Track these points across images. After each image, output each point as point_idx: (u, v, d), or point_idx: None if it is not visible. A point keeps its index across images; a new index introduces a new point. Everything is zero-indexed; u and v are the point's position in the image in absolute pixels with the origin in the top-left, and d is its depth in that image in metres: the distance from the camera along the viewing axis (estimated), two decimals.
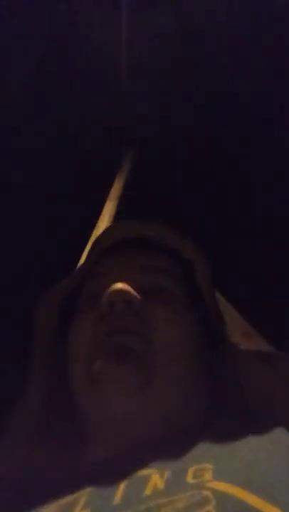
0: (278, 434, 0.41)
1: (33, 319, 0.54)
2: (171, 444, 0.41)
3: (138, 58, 1.95)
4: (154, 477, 0.36)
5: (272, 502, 0.29)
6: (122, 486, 0.36)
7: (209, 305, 0.53)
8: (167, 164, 2.12)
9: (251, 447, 0.38)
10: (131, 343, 0.46)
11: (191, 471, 0.35)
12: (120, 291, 0.46)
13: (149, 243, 0.55)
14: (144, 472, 0.37)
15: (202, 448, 0.40)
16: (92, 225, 1.69)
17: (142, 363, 0.45)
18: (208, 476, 0.34)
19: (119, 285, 0.47)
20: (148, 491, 0.34)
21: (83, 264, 0.57)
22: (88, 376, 0.47)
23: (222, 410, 0.50)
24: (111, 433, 0.47)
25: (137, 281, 0.50)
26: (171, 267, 0.54)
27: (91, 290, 0.52)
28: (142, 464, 0.39)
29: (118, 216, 1.76)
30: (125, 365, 0.45)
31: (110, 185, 1.79)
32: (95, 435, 0.48)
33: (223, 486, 0.32)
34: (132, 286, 0.48)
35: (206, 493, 0.31)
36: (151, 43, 1.92)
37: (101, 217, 1.69)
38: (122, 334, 0.46)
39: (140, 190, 2.07)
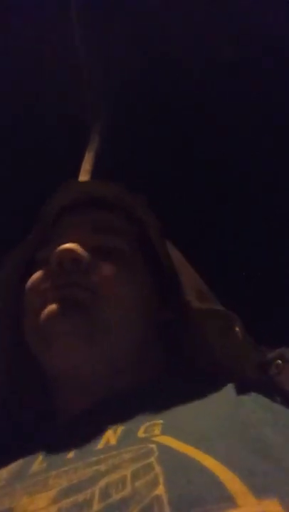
0: (226, 391, 0.41)
1: None
2: (126, 403, 0.42)
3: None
4: (108, 433, 0.37)
5: (210, 453, 0.30)
6: (78, 442, 0.37)
7: (164, 263, 0.51)
8: (135, 135, 2.12)
9: (201, 405, 0.39)
10: (77, 294, 0.45)
11: (142, 427, 0.36)
12: (67, 250, 0.45)
13: (103, 203, 0.54)
14: (99, 429, 0.38)
15: (155, 406, 0.40)
16: None
17: (87, 316, 0.44)
18: (157, 431, 0.35)
19: (67, 245, 0.46)
20: (100, 446, 0.35)
21: (38, 226, 0.55)
22: (37, 330, 0.46)
23: (176, 369, 0.51)
24: (68, 388, 0.47)
25: (88, 241, 0.49)
26: (125, 226, 0.52)
27: (44, 256, 0.51)
28: (99, 423, 0.39)
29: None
30: (70, 317, 0.44)
31: (81, 159, 1.75)
32: (57, 393, 0.49)
33: (167, 440, 0.33)
34: (82, 246, 0.47)
35: (151, 446, 0.32)
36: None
37: None
38: (69, 287, 0.46)
39: (112, 161, 2.06)
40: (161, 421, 0.36)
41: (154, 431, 0.35)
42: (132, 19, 1.67)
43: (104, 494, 0.28)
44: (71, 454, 0.36)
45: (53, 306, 0.44)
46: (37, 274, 0.49)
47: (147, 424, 0.36)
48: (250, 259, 2.08)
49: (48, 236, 0.52)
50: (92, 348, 0.44)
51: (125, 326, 0.47)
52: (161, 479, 0.28)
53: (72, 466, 0.33)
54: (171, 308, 0.52)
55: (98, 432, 0.38)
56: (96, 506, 0.27)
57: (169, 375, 0.49)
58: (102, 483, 0.29)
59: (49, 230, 0.53)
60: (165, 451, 0.31)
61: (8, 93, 1.87)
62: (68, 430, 0.40)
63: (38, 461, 0.37)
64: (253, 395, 0.39)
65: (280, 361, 0.40)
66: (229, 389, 0.41)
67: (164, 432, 0.34)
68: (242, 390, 0.40)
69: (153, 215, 0.53)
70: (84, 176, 1.63)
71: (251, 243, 2.07)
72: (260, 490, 0.26)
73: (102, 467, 0.31)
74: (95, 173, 1.67)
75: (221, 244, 2.05)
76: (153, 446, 0.32)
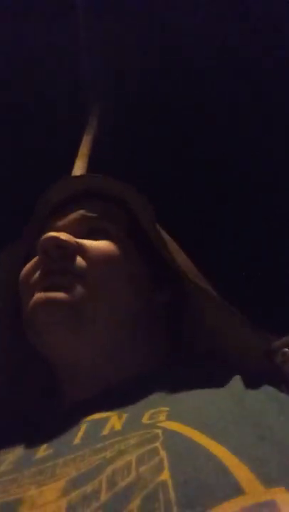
0: (231, 379, 0.41)
1: None
2: (130, 390, 0.41)
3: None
4: (113, 419, 0.37)
5: (217, 439, 0.30)
6: (83, 428, 0.37)
7: (157, 249, 0.50)
8: (135, 135, 2.12)
9: (206, 393, 0.39)
10: (62, 281, 0.45)
11: (147, 414, 0.36)
12: (51, 237, 0.45)
13: (95, 195, 0.53)
14: (103, 415, 0.38)
15: (159, 394, 0.40)
16: None
17: (73, 303, 0.44)
18: (162, 417, 0.35)
19: (51, 233, 0.46)
20: (105, 432, 0.35)
21: (31, 223, 0.55)
22: (27, 320, 0.46)
23: (179, 356, 0.51)
24: (69, 377, 0.47)
25: (79, 228, 0.50)
26: (116, 214, 0.52)
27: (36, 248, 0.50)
28: (103, 409, 0.39)
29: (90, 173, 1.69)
30: (55, 306, 0.43)
31: (78, 143, 1.67)
32: (59, 383, 0.49)
33: (173, 426, 0.32)
34: (72, 234, 0.48)
35: (156, 431, 0.32)
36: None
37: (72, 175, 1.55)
38: (54, 274, 0.45)
39: (110, 145, 2.04)
40: (166, 408, 0.36)
41: (160, 417, 0.35)
42: (132, 19, 1.67)
43: (111, 482, 0.28)
44: (77, 441, 0.35)
45: (38, 296, 0.44)
46: (27, 266, 0.50)
47: (152, 411, 0.36)
48: (250, 259, 2.08)
49: (42, 231, 0.52)
50: (80, 336, 0.44)
51: (114, 310, 0.46)
52: (166, 464, 0.28)
53: (79, 453, 0.33)
54: (168, 291, 0.52)
55: (103, 418, 0.38)
56: (103, 497, 0.27)
57: (172, 362, 0.49)
58: (109, 470, 0.29)
59: (44, 225, 0.53)
60: (170, 435, 0.31)
61: (7, 93, 1.87)
62: (72, 417, 0.40)
63: (44, 447, 0.37)
64: (259, 383, 0.39)
65: (286, 349, 0.40)
66: (234, 377, 0.41)
67: (169, 418, 0.34)
68: (247, 378, 0.40)
69: (145, 202, 0.52)
70: (81, 160, 1.58)
71: (251, 243, 2.07)
72: (267, 478, 0.26)
73: (108, 454, 0.31)
74: (92, 157, 1.63)
75: (221, 244, 2.05)
76: (158, 431, 0.32)
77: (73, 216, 0.51)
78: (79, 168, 1.59)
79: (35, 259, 0.49)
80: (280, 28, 1.73)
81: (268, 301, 1.87)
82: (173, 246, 0.53)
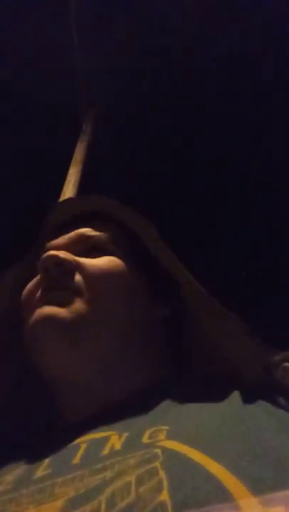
0: (230, 395, 0.41)
1: None
2: (130, 408, 0.41)
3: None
4: (113, 439, 0.37)
5: (215, 458, 0.30)
6: (83, 447, 0.37)
7: (162, 266, 0.51)
8: (135, 135, 2.12)
9: (205, 410, 0.39)
10: (61, 298, 0.46)
11: (147, 433, 0.36)
12: (50, 256, 0.47)
13: (93, 214, 0.55)
14: (103, 434, 0.38)
15: (159, 411, 0.40)
16: (58, 190, 1.62)
17: (70, 320, 0.44)
18: (162, 436, 0.34)
19: (50, 252, 0.48)
20: (105, 451, 0.35)
21: (35, 246, 0.57)
22: (27, 336, 0.47)
23: (179, 371, 0.51)
24: (68, 394, 0.47)
25: (77, 247, 0.51)
26: (114, 232, 0.53)
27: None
28: (103, 428, 0.39)
29: (83, 181, 1.69)
30: (53, 323, 0.44)
31: (73, 149, 1.67)
32: (58, 399, 0.49)
33: (173, 445, 0.32)
34: (70, 252, 0.49)
35: (156, 450, 0.32)
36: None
37: (66, 182, 1.57)
38: (54, 291, 0.46)
39: (110, 146, 2.03)
40: (166, 427, 0.36)
41: (159, 436, 0.35)
42: (132, 19, 1.67)
43: (111, 503, 0.27)
44: (76, 460, 0.35)
45: (37, 313, 0.45)
46: (29, 284, 0.50)
47: (152, 429, 0.36)
48: (250, 259, 2.08)
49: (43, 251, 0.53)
50: (79, 351, 0.44)
51: (112, 325, 0.47)
52: (165, 484, 0.28)
53: (78, 473, 0.33)
54: (169, 305, 0.52)
55: (103, 437, 0.38)
56: None
57: (172, 376, 0.49)
58: (108, 491, 0.29)
59: (45, 245, 0.54)
60: (170, 455, 0.31)
61: (6, 93, 1.87)
62: (72, 436, 0.40)
63: (43, 466, 0.36)
64: (258, 399, 0.39)
65: (287, 364, 0.40)
66: (233, 393, 0.41)
67: (169, 437, 0.34)
68: (246, 394, 0.40)
69: (145, 221, 0.53)
70: (75, 167, 1.58)
71: (251, 243, 2.07)
72: (266, 498, 0.26)
73: (108, 474, 0.31)
74: (87, 163, 1.63)
75: (221, 244, 2.05)
76: (158, 450, 0.32)
77: (73, 235, 0.53)
78: (73, 174, 1.59)
79: (36, 278, 0.50)
80: (280, 28, 1.73)
81: (267, 301, 1.87)
82: (174, 260, 0.53)
